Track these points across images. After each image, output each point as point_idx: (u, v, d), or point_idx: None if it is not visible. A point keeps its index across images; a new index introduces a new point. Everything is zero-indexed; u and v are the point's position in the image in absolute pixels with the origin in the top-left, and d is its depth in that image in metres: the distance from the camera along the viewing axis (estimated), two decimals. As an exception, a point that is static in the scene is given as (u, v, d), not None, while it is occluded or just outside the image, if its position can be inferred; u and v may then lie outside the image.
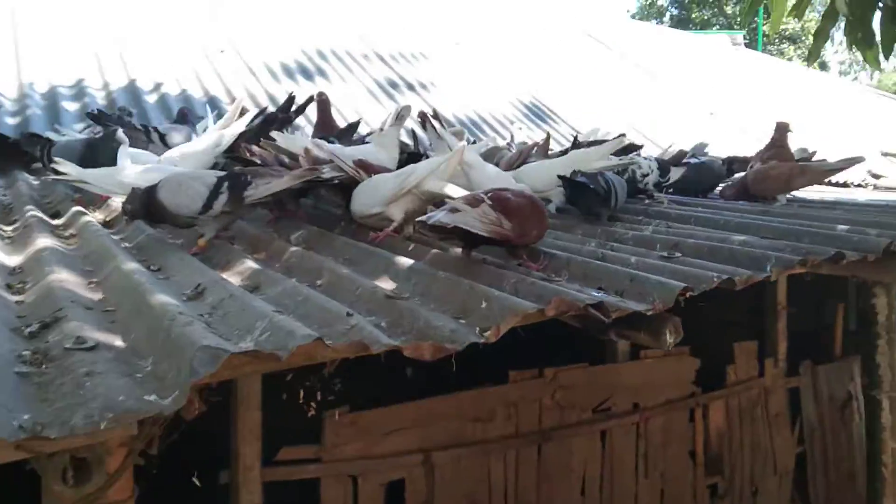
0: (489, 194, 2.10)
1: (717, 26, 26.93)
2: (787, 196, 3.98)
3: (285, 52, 6.45)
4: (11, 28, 5.32)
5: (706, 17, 27.35)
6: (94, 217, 2.78)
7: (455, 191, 2.36)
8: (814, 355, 5.28)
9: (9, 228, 2.71)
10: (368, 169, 2.77)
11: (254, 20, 6.83)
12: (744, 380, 5.03)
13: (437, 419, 3.72)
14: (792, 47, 25.67)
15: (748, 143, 8.02)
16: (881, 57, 4.84)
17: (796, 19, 7.80)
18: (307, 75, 6.19)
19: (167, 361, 1.31)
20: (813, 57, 5.94)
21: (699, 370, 4.74)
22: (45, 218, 2.80)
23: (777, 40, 24.60)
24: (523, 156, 3.43)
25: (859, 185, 8.09)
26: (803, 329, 5.38)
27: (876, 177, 7.97)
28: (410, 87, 6.64)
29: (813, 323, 5.65)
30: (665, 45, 11.48)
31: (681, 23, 27.14)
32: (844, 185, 7.63)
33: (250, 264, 2.07)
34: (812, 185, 4.29)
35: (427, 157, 3.68)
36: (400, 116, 4.61)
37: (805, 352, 5.28)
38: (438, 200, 2.47)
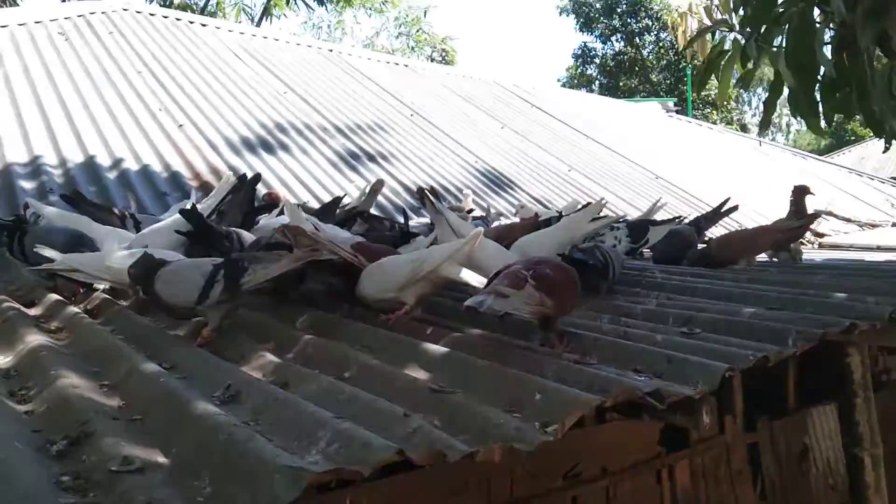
0: (531, 272, 2.04)
1: (644, 93, 28.21)
2: (748, 260, 4.07)
3: (244, 126, 6.38)
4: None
5: (633, 85, 28.63)
6: (77, 307, 2.60)
7: (472, 277, 2.32)
8: (770, 410, 5.36)
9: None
10: (367, 252, 2.71)
11: (210, 98, 6.76)
12: (706, 438, 5.04)
13: (408, 498, 3.55)
14: (714, 112, 27.03)
15: (694, 205, 8.30)
16: (822, 124, 5.15)
17: (744, 89, 8.20)
18: (268, 148, 6.12)
19: (233, 484, 1.19)
20: (764, 126, 6.24)
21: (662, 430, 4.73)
22: (22, 308, 2.61)
23: (701, 105, 25.90)
24: (516, 231, 3.43)
25: (802, 244, 8.44)
26: (758, 384, 5.47)
27: (819, 235, 8.33)
28: (371, 158, 6.64)
29: (766, 378, 5.74)
30: (606, 113, 11.91)
31: (609, 90, 28.34)
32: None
33: (269, 357, 1.97)
34: (776, 247, 4.39)
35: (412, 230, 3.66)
36: (373, 191, 4.61)
37: (762, 407, 5.35)
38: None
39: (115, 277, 2.54)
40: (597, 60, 30.00)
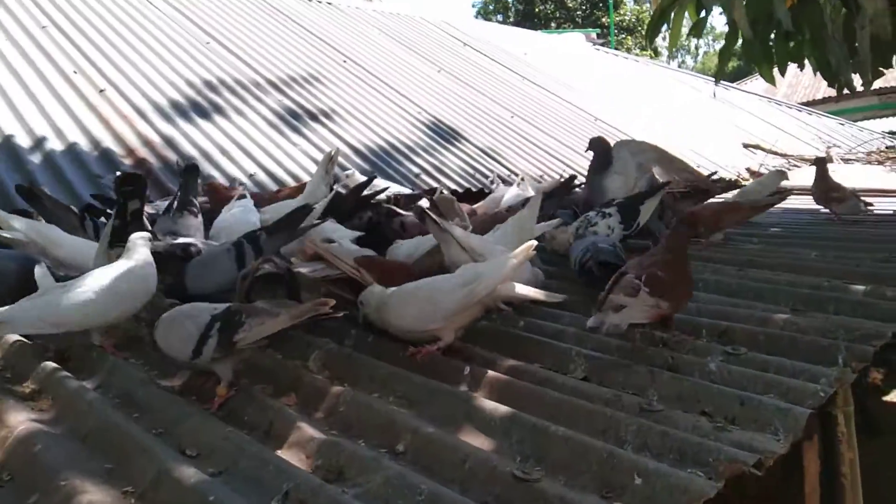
0: (643, 277, 2.02)
1: (560, 19, 27.97)
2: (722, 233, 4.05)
3: (171, 87, 5.82)
4: None
5: (549, 11, 28.31)
6: (48, 355, 2.26)
7: (530, 290, 2.15)
8: None
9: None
10: (372, 267, 2.47)
11: (128, 54, 6.11)
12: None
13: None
14: (629, 37, 27.15)
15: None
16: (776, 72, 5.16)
17: (695, 38, 8.14)
18: (201, 112, 5.61)
19: None
20: (719, 75, 6.20)
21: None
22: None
23: (617, 31, 25.90)
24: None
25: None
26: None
27: (754, 174, 8.49)
28: (312, 117, 6.22)
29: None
30: (534, 48, 11.65)
31: (525, 17, 27.94)
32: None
33: (306, 430, 1.73)
34: (743, 221, 4.36)
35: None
36: (331, 163, 4.14)
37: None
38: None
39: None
40: (512, -15, 29.43)
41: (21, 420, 1.79)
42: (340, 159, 5.59)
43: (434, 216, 2.59)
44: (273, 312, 1.98)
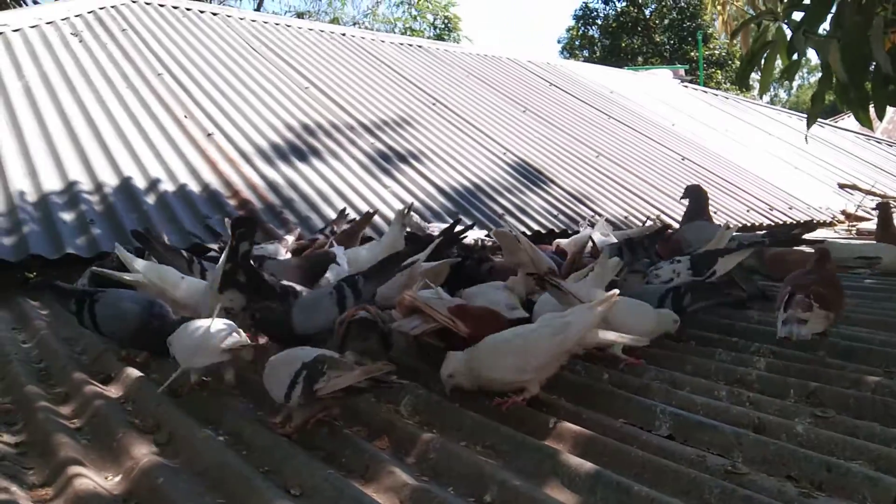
0: (811, 295, 2.49)
1: (648, 54, 27.77)
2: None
3: (271, 130, 6.18)
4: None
5: (636, 46, 28.17)
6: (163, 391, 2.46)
7: (615, 335, 2.22)
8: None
9: (67, 410, 2.38)
10: (466, 316, 2.58)
11: (233, 99, 6.53)
12: None
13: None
14: (719, 72, 26.66)
15: (722, 188, 8.15)
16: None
17: (787, 81, 7.99)
18: (299, 154, 5.93)
19: None
20: (812, 120, 6.06)
21: None
22: (105, 391, 2.48)
23: (706, 66, 25.48)
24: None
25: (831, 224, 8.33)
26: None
27: (851, 217, 8.21)
28: (401, 158, 6.46)
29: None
30: (622, 86, 11.64)
31: (611, 52, 27.89)
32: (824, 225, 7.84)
33: (399, 475, 1.84)
34: None
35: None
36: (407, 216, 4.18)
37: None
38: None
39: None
40: (598, 21, 29.46)
41: (144, 453, 1.98)
42: (427, 200, 5.79)
43: (555, 282, 2.68)
44: (350, 366, 2.08)
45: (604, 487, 1.77)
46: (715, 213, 7.34)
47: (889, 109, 4.80)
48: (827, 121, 15.38)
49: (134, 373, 2.60)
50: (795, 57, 5.04)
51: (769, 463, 1.92)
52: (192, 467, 1.96)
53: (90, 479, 1.84)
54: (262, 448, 2.05)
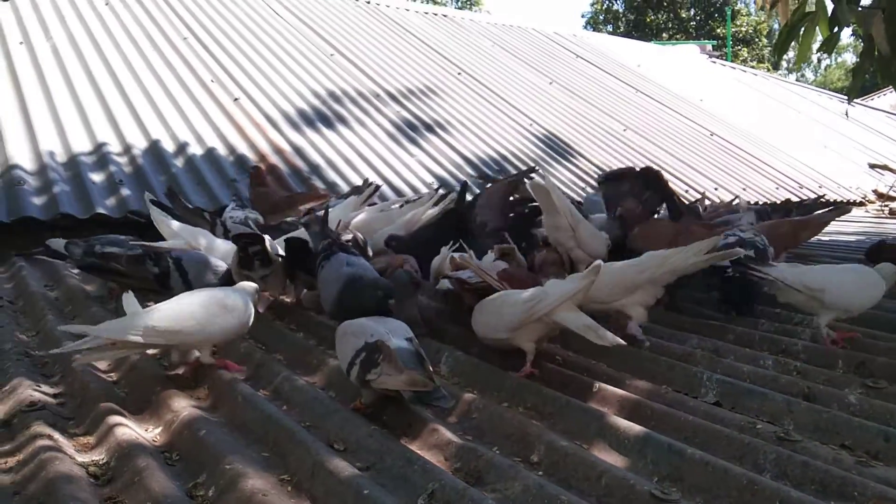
0: None
1: (673, 30, 27.33)
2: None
3: (298, 96, 6.13)
4: (16, 94, 4.86)
5: (661, 21, 27.72)
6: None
7: (588, 323, 2.11)
8: None
9: (103, 365, 2.37)
10: (512, 280, 2.55)
11: (258, 64, 6.47)
12: None
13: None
14: (746, 49, 26.22)
15: (753, 165, 8.02)
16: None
17: (825, 54, 7.81)
18: (326, 121, 5.88)
19: None
20: (853, 94, 5.92)
21: None
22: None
23: (733, 43, 25.06)
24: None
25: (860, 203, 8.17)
26: None
27: (882, 197, 8.06)
28: (428, 128, 6.39)
29: None
30: (648, 60, 11.45)
31: (636, 26, 27.47)
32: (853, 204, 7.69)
33: (443, 433, 1.81)
34: (814, 236, 4.14)
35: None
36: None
37: None
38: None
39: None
40: (623, -5, 28.98)
41: (184, 405, 1.96)
42: (453, 169, 5.73)
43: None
44: (400, 368, 1.95)
45: (654, 450, 1.73)
46: (744, 189, 7.23)
47: (926, 87, 4.66)
48: (858, 99, 15.07)
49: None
50: (836, 30, 4.92)
51: (822, 431, 1.87)
52: (233, 420, 1.94)
53: (131, 428, 1.83)
54: (302, 403, 2.02)
